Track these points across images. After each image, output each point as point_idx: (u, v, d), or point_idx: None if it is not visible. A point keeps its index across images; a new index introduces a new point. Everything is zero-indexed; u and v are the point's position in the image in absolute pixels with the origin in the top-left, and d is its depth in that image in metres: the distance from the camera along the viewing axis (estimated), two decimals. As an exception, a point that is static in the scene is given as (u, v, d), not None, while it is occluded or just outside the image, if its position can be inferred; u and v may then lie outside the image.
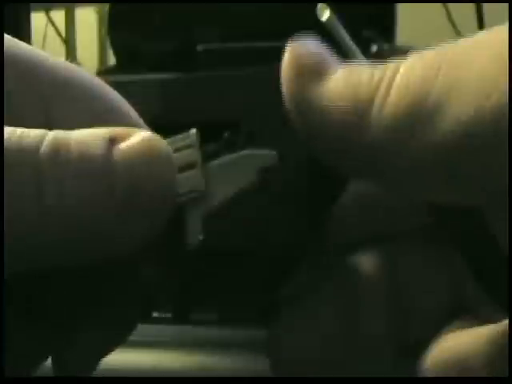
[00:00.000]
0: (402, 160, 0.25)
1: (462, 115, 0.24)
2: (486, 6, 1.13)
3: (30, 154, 0.26)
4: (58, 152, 0.26)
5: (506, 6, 0.89)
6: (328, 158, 0.27)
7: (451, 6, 1.28)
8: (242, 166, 0.29)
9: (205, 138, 0.29)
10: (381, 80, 0.26)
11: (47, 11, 1.74)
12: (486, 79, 0.24)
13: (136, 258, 0.29)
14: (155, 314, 0.54)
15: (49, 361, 0.30)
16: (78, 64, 0.31)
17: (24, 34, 0.97)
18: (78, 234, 0.26)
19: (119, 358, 0.47)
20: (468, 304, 0.29)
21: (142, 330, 0.54)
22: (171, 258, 0.29)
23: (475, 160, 0.24)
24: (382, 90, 0.25)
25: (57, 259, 0.26)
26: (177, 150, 0.29)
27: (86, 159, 0.26)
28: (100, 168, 0.26)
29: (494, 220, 0.27)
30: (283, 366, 0.29)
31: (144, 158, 0.26)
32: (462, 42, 0.25)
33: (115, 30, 0.87)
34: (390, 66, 0.26)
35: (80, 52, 1.77)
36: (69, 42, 1.74)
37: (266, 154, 0.28)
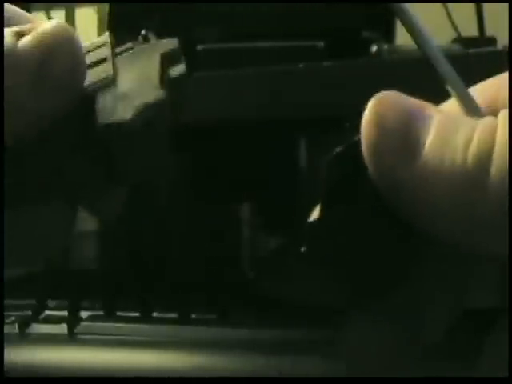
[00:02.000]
0: None
1: None
2: (485, 6, 1.13)
3: None
4: None
5: (506, 5, 0.89)
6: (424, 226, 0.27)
7: (451, 5, 1.28)
8: (148, 53, 0.33)
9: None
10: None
11: (47, 11, 1.73)
12: None
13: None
14: (155, 314, 0.54)
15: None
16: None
17: (24, 34, 0.97)
18: None
19: (119, 358, 0.47)
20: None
21: (142, 330, 0.54)
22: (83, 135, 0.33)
23: None
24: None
25: None
26: (92, 50, 0.33)
27: None
28: (8, 54, 0.30)
29: None
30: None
31: (51, 39, 0.31)
32: None
33: (115, 29, 0.87)
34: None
35: (80, 52, 1.76)
36: (69, 42, 1.73)
37: (168, 42, 0.33)
